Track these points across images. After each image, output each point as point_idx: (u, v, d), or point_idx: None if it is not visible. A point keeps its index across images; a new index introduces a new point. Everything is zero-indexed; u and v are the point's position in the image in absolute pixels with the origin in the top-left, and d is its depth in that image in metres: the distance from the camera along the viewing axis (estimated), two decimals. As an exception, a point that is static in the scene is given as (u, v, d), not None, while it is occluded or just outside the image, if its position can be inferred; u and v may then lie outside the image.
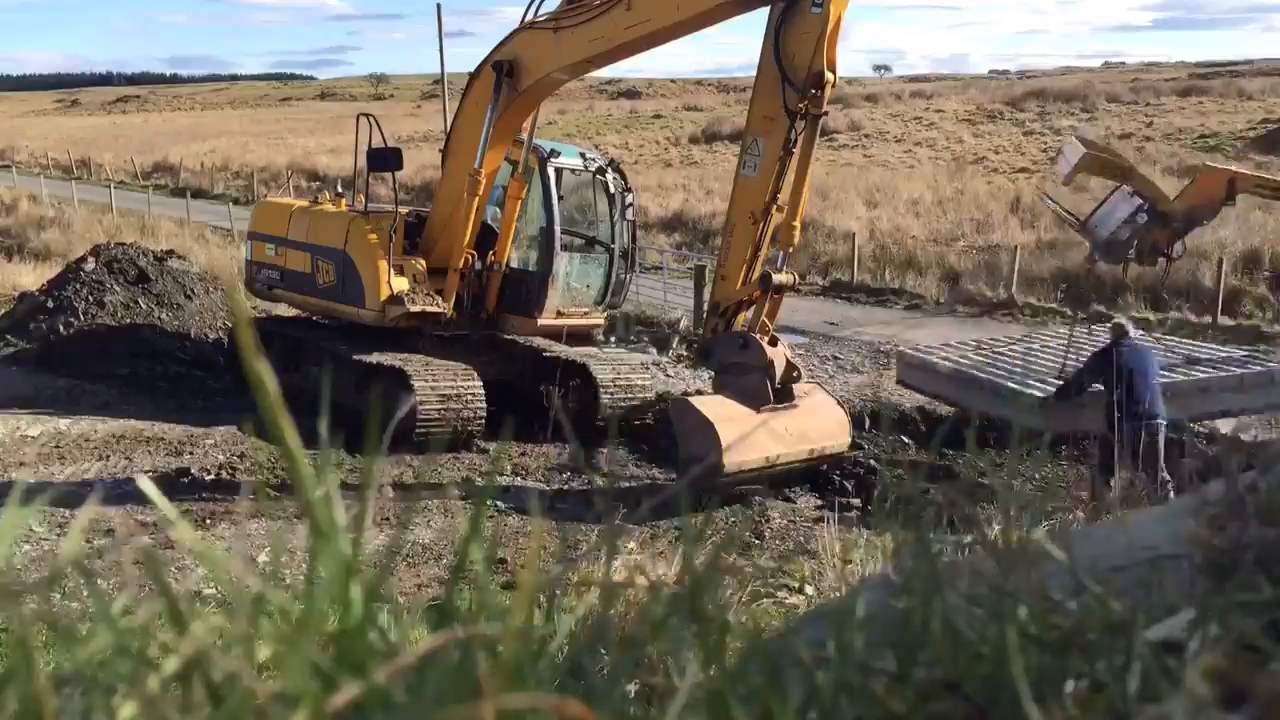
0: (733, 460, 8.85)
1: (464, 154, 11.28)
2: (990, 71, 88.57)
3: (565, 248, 11.87)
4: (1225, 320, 17.50)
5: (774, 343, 9.57)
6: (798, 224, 9.59)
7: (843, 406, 10.56)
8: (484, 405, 10.78)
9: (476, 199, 11.08)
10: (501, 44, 10.90)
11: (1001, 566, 0.78)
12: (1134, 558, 0.88)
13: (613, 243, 12.27)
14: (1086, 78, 63.96)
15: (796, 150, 9.27)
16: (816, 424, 9.74)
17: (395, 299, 11.21)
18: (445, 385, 10.71)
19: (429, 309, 11.30)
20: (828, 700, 0.70)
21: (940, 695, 0.71)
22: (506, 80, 10.69)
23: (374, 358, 10.95)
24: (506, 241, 11.63)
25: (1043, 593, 0.77)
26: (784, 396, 9.51)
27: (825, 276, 23.04)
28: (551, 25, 10.34)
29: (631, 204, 12.39)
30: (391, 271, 11.34)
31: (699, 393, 11.24)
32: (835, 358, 15.39)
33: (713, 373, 10.11)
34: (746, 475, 9.16)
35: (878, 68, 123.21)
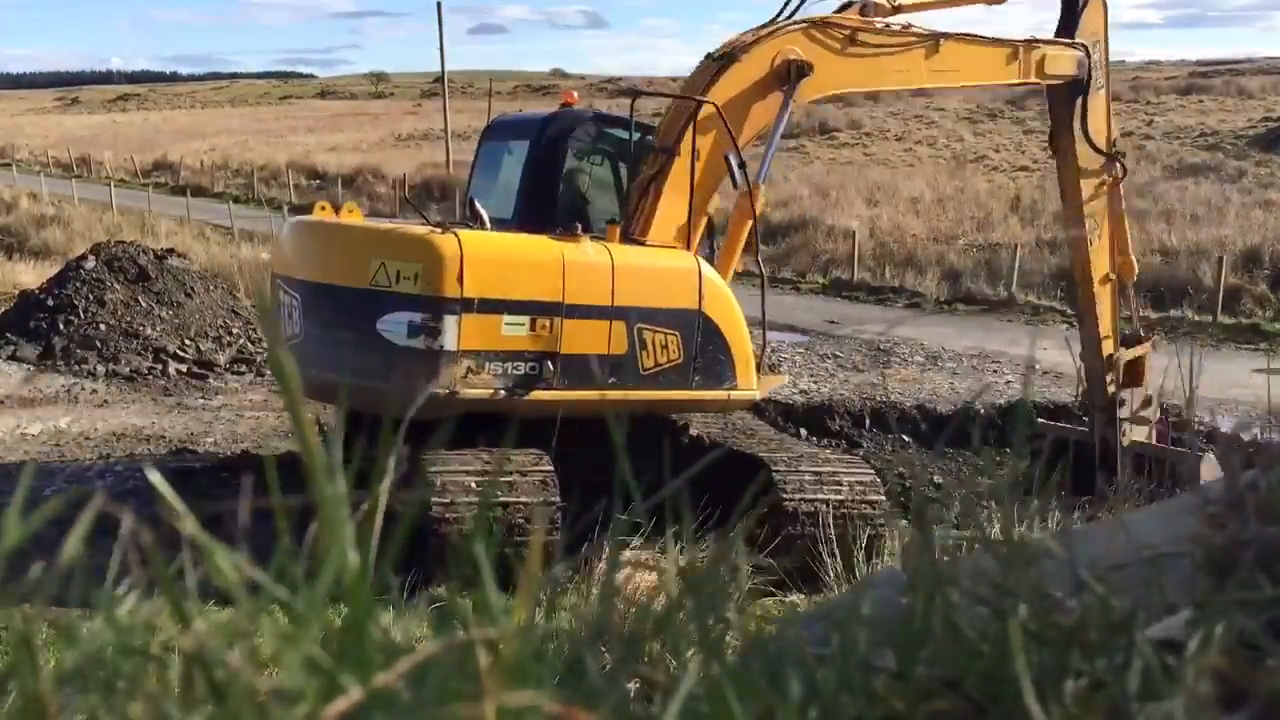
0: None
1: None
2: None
3: None
4: (1225, 319, 17.51)
5: None
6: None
7: None
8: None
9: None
10: (771, 34, 8.47)
11: (1002, 564, 0.78)
12: (1134, 556, 0.88)
13: None
14: (1087, 76, 63.76)
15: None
16: None
17: None
18: None
19: None
20: (829, 697, 0.70)
21: (940, 693, 0.71)
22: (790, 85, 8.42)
23: None
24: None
25: (1043, 591, 0.77)
26: None
27: (825, 275, 23.07)
28: (845, 37, 8.61)
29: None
30: None
31: None
32: (835, 356, 15.38)
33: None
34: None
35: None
